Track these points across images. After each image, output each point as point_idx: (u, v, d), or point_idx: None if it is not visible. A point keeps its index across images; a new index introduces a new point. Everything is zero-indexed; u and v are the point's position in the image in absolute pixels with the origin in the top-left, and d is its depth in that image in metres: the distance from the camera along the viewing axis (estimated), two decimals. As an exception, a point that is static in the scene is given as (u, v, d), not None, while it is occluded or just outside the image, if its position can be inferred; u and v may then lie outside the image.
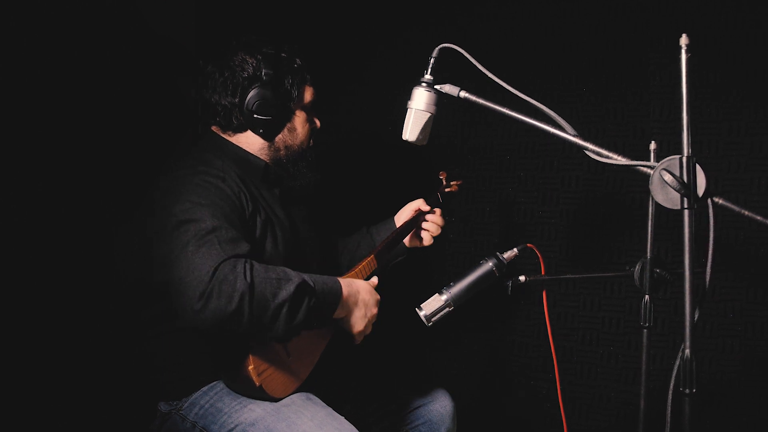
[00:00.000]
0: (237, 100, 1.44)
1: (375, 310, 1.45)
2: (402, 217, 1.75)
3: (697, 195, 1.01)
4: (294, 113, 1.52)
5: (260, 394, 1.31)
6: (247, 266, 1.20)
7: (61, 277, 1.66)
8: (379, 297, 1.47)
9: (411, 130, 1.33)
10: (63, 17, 1.68)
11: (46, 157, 1.64)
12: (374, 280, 1.51)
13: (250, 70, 1.43)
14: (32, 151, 1.61)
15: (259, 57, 1.44)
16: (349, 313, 1.39)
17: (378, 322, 1.47)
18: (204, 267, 1.16)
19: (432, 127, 1.34)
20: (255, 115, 1.44)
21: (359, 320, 1.41)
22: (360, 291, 1.41)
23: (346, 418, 1.34)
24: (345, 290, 1.36)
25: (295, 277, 1.25)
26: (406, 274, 1.91)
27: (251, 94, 1.43)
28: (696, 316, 1.00)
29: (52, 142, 1.66)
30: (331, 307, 1.33)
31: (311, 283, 1.28)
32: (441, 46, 1.29)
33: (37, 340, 1.61)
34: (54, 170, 1.66)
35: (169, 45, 1.96)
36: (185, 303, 1.16)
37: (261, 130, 1.47)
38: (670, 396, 1.04)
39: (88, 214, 1.70)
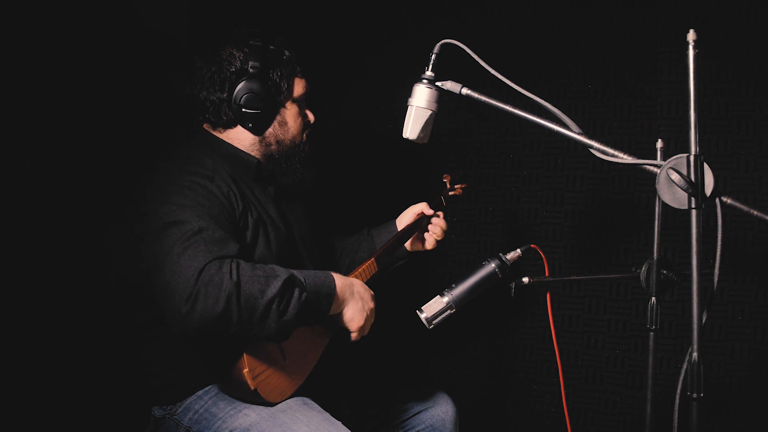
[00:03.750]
0: (225, 94, 1.42)
1: (372, 304, 1.41)
2: (404, 220, 1.72)
3: (704, 194, 1.00)
4: (284, 106, 1.49)
5: (255, 398, 1.28)
6: (233, 266, 1.18)
7: (53, 278, 1.64)
8: (372, 292, 1.43)
9: (412, 129, 1.31)
10: (52, 10, 1.66)
11: (36, 153, 1.63)
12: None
13: (238, 63, 1.41)
14: (22, 147, 1.60)
15: (246, 50, 1.42)
16: (345, 306, 1.35)
17: (378, 323, 1.45)
18: (189, 269, 1.15)
19: (433, 125, 1.32)
20: (243, 109, 1.42)
21: (357, 314, 1.37)
22: (354, 284, 1.38)
23: (344, 423, 1.32)
24: (338, 282, 1.33)
25: (283, 273, 1.23)
26: (406, 276, 1.89)
27: (239, 87, 1.41)
28: (704, 318, 0.99)
29: (42, 138, 1.65)
30: (325, 300, 1.29)
31: (301, 278, 1.26)
32: (442, 41, 1.27)
33: (29, 344, 1.59)
34: (44, 167, 1.65)
35: (162, 39, 1.95)
36: (172, 307, 1.15)
37: (250, 125, 1.45)
38: (677, 401, 1.03)
39: (80, 212, 1.69)
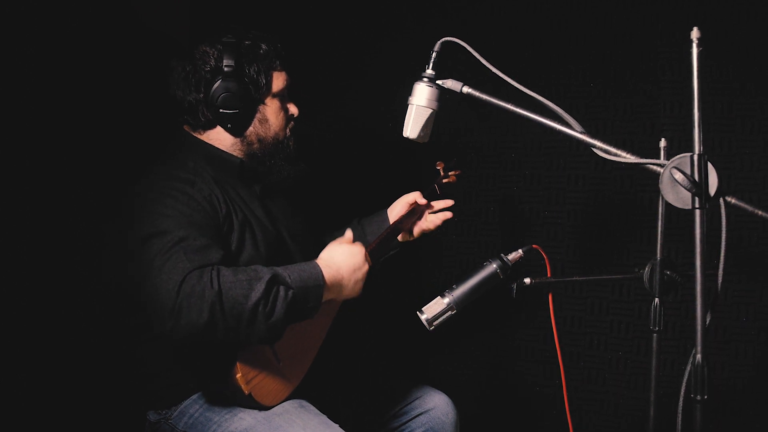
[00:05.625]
0: (201, 95, 1.38)
1: (365, 267, 1.38)
2: (396, 210, 1.68)
3: (708, 194, 0.98)
4: (263, 103, 1.45)
5: (250, 402, 1.28)
6: (214, 274, 1.16)
7: (53, 278, 1.63)
8: (362, 249, 1.39)
9: (412, 127, 1.30)
10: (52, 10, 1.66)
11: (36, 153, 1.62)
12: (348, 234, 1.43)
13: (212, 62, 1.38)
14: (22, 147, 1.59)
15: (220, 47, 1.38)
16: (339, 289, 1.33)
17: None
18: (170, 282, 1.14)
19: (434, 123, 1.30)
20: (221, 110, 1.38)
21: (353, 286, 1.35)
22: (340, 266, 1.33)
23: (341, 425, 1.31)
24: (326, 272, 1.29)
25: (266, 273, 1.21)
26: (406, 276, 1.88)
27: (215, 87, 1.37)
28: (708, 319, 0.98)
29: (42, 138, 1.64)
30: (314, 292, 1.26)
31: (285, 275, 1.23)
32: (443, 39, 1.26)
33: (29, 344, 1.58)
34: (44, 167, 1.64)
35: (162, 39, 1.94)
36: (158, 321, 1.15)
37: (229, 125, 1.41)
38: (680, 403, 1.02)
39: (80, 212, 1.68)
